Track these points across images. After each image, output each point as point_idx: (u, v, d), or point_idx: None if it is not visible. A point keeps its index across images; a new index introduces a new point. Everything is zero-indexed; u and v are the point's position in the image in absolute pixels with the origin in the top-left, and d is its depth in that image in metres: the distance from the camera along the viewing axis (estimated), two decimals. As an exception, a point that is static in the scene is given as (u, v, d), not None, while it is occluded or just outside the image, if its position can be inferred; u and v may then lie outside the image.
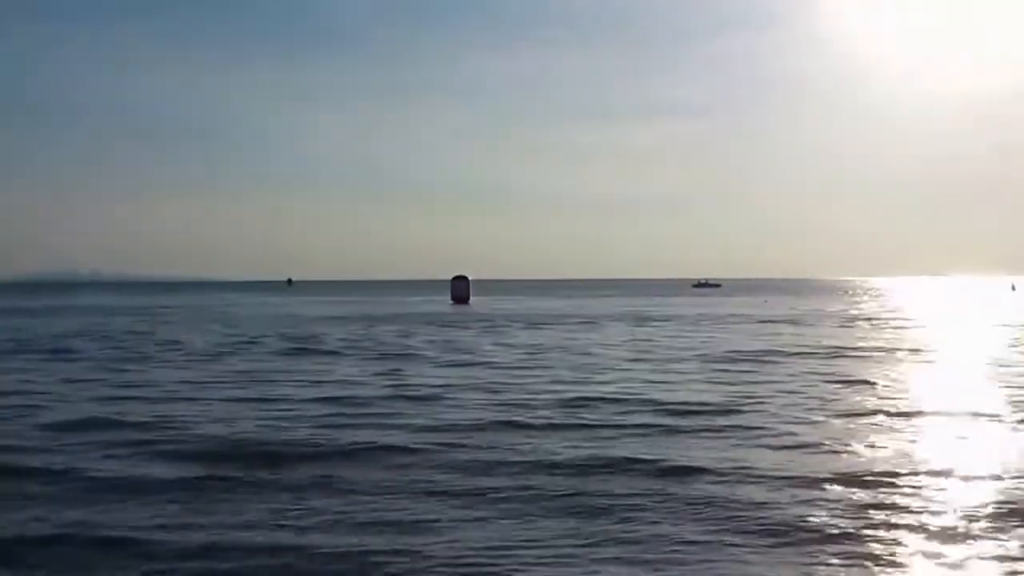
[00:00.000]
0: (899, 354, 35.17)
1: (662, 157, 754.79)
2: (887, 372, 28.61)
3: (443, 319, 67.07)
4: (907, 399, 22.20)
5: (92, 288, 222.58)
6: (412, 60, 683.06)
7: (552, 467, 14.46)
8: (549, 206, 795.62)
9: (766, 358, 33.74)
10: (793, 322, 60.55)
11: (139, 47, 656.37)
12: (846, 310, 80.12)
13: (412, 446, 16.24)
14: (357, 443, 16.50)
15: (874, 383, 25.43)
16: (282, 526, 11.46)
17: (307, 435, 17.44)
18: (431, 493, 12.97)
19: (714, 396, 23.00)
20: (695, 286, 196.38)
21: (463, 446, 16.23)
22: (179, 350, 39.26)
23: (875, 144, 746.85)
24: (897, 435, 17.20)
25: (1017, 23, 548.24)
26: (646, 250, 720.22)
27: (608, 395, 23.12)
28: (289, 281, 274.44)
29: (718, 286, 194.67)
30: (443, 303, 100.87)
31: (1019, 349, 37.51)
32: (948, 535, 10.76)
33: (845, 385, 25.19)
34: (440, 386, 25.34)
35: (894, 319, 63.10)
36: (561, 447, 16.07)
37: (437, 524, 11.42)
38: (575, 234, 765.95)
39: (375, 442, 16.58)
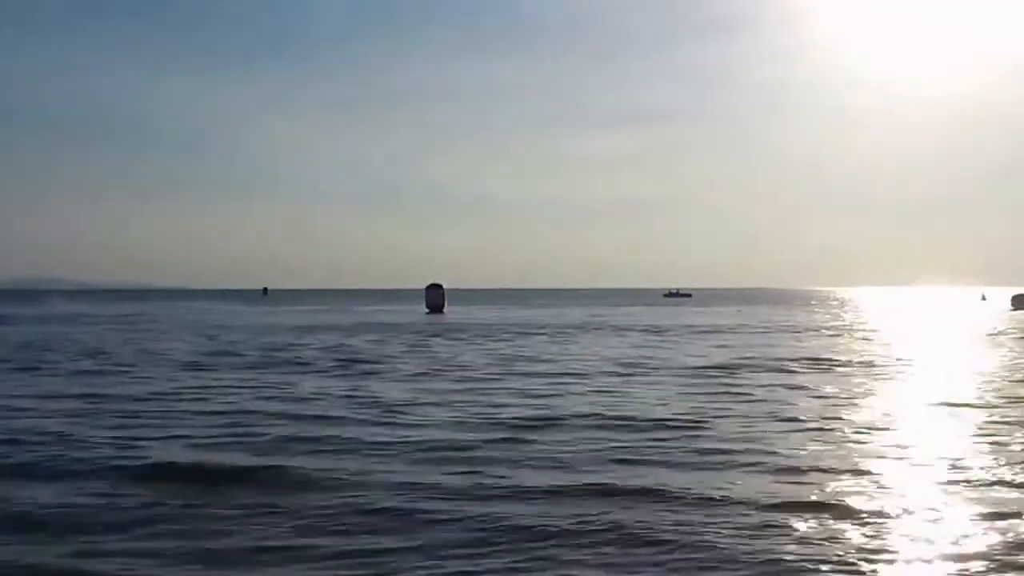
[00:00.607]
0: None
1: (637, 165, 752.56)
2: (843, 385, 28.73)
3: (410, 328, 67.10)
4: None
5: (58, 296, 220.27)
6: (385, 69, 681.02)
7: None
8: (525, 214, 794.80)
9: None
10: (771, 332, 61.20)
11: (104, 48, 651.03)
12: (828, 321, 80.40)
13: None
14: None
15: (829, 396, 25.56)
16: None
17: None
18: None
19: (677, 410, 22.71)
20: (666, 295, 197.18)
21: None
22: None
23: (844, 154, 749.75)
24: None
25: (983, 29, 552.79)
26: (619, 258, 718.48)
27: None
28: (264, 290, 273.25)
29: (689, 296, 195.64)
30: (417, 312, 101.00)
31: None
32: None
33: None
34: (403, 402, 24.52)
35: (866, 329, 63.77)
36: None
37: None
38: (551, 242, 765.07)
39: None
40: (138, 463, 15.97)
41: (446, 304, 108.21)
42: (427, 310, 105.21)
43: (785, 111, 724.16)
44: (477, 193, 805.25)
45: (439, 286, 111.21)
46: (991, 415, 21.18)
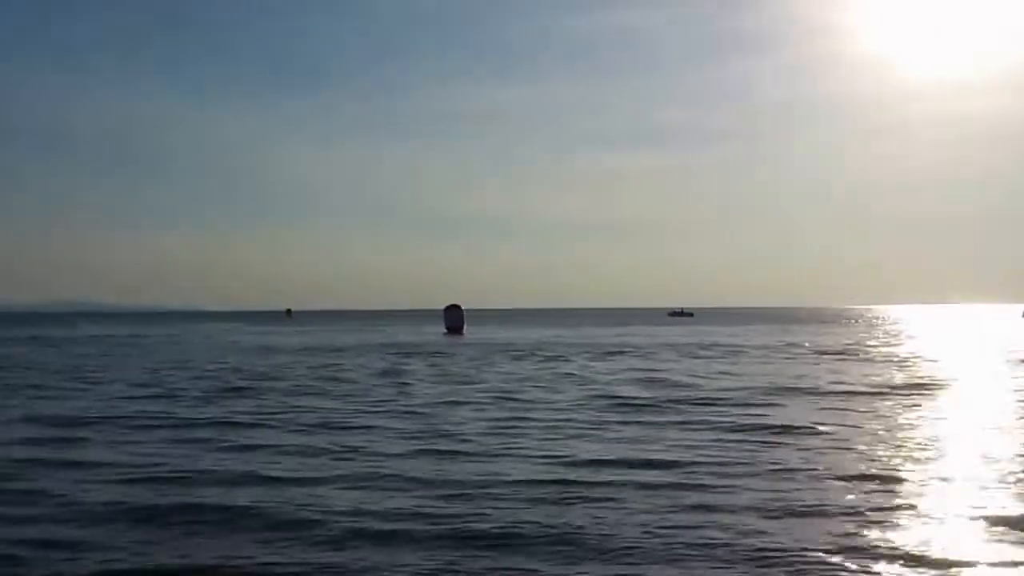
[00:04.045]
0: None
1: (659, 184, 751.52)
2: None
3: (425, 348, 64.31)
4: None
5: (85, 319, 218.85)
6: (408, 92, 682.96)
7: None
8: (545, 235, 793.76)
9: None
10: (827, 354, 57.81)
11: (136, 78, 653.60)
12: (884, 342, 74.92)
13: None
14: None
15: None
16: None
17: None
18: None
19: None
20: (670, 314, 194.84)
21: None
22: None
23: (869, 171, 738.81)
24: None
25: (1015, 43, 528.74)
26: (634, 277, 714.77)
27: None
28: (288, 312, 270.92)
29: (691, 315, 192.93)
30: (436, 333, 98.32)
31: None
32: None
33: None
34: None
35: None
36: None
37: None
38: (569, 262, 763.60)
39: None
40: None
41: (465, 325, 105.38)
42: (446, 330, 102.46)
43: (817, 128, 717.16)
44: (499, 215, 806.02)
45: (458, 307, 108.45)
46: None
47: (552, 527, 12.20)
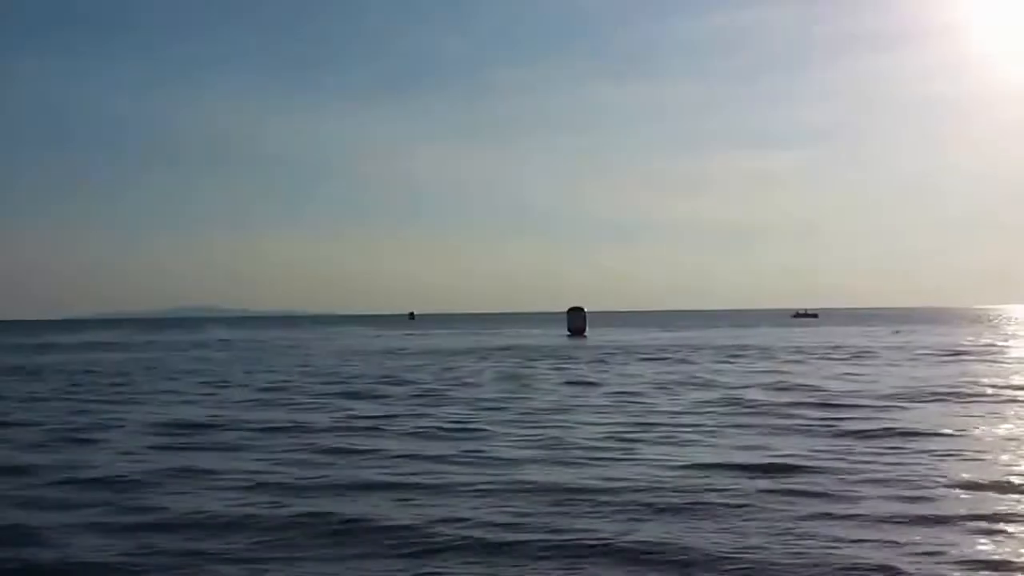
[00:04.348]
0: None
1: (782, 184, 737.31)
2: None
3: (547, 352, 64.29)
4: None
5: (214, 323, 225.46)
6: (534, 95, 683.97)
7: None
8: (666, 237, 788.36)
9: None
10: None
11: (257, 88, 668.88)
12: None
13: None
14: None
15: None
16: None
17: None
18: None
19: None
20: (794, 316, 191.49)
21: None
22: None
23: (1004, 169, 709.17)
24: None
25: None
26: (757, 278, 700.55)
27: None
28: (411, 315, 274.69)
29: (815, 316, 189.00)
30: (558, 336, 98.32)
31: None
32: None
33: None
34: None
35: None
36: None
37: None
38: (691, 264, 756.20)
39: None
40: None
41: (587, 327, 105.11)
42: (568, 333, 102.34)
43: (940, 127, 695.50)
44: (619, 216, 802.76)
45: (580, 309, 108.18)
46: None
47: (674, 536, 11.99)
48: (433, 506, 14.08)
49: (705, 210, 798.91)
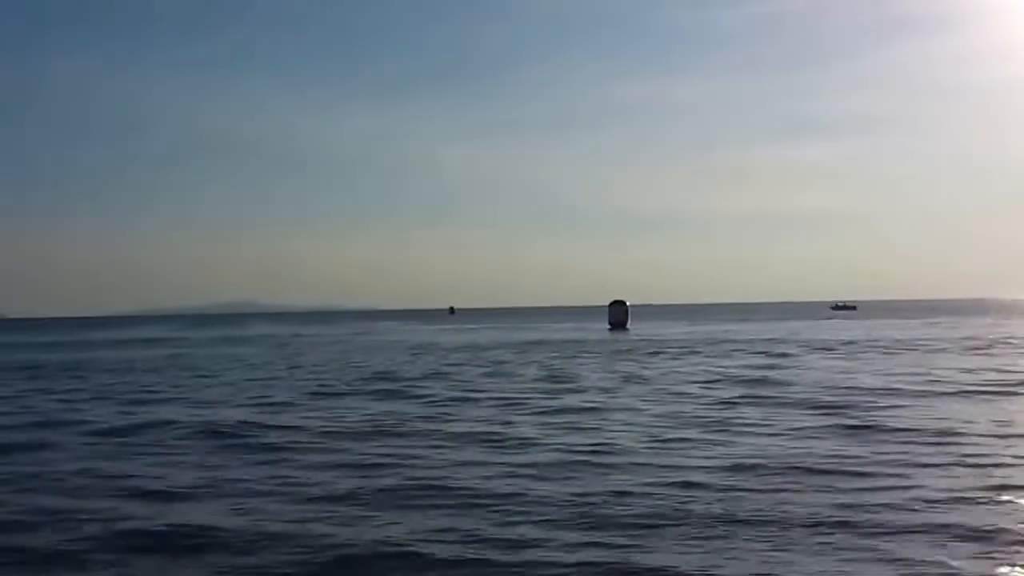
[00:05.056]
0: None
1: (820, 175, 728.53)
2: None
3: (589, 346, 63.61)
4: None
5: (255, 319, 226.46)
6: (569, 89, 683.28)
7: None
8: (707, 229, 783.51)
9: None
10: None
11: (281, 81, 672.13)
12: None
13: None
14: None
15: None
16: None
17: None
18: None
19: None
20: (833, 308, 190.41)
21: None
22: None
23: None
24: None
25: None
26: (797, 270, 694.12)
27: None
28: (451, 309, 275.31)
29: (854, 308, 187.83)
30: (599, 329, 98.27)
31: None
32: None
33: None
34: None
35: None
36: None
37: None
38: (732, 257, 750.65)
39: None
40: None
41: (629, 320, 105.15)
42: (609, 326, 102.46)
43: (994, 113, 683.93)
44: (656, 210, 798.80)
45: (622, 303, 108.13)
46: None
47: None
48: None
49: (739, 203, 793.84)
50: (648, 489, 14.23)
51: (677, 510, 12.81)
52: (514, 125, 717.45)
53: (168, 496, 14.68)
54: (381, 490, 14.62)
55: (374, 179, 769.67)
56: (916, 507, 12.66)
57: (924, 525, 11.69)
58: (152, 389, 35.30)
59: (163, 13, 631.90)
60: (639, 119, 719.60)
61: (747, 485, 14.38)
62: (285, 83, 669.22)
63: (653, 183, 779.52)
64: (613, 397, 28.83)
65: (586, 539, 11.48)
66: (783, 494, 13.62)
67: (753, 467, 15.87)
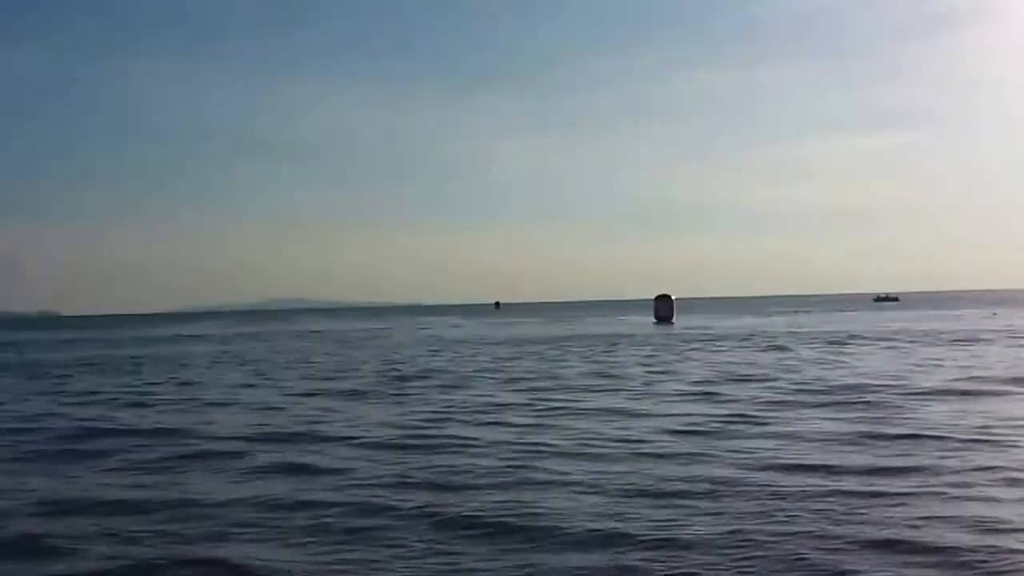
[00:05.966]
0: None
1: (868, 167, 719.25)
2: None
3: (635, 339, 63.75)
4: None
5: (306, 315, 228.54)
6: (614, 82, 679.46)
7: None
8: (753, 222, 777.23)
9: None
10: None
11: (339, 80, 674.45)
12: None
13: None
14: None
15: None
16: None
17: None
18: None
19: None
20: (876, 300, 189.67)
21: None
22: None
23: None
24: None
25: None
26: (841, 262, 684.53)
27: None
28: (497, 304, 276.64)
29: (896, 300, 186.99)
30: (645, 324, 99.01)
31: None
32: None
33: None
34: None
35: None
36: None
37: None
38: (774, 250, 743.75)
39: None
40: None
41: (675, 315, 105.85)
42: (655, 320, 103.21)
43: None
44: (706, 203, 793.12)
45: (668, 297, 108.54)
46: None
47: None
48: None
49: (786, 196, 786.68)
50: None
51: None
52: (571, 120, 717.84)
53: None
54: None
55: (426, 176, 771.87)
56: None
57: None
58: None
59: (229, 15, 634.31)
60: (676, 112, 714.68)
61: None
62: (343, 81, 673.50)
63: (707, 177, 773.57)
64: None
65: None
66: None
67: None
